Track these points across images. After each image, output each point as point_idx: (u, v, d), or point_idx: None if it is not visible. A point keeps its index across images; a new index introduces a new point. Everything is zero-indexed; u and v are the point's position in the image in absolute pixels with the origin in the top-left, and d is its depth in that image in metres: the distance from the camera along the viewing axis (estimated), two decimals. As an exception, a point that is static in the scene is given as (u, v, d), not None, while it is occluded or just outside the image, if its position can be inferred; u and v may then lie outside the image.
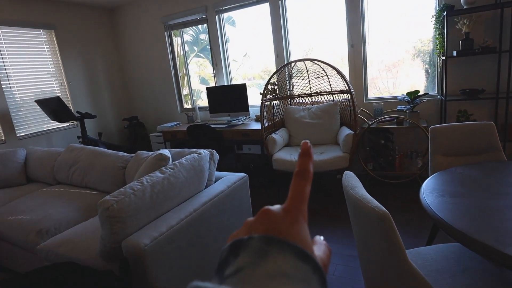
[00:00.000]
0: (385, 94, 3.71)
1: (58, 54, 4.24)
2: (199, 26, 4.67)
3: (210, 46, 4.36)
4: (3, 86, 3.69)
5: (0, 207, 2.72)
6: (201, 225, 1.87)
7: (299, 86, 3.81)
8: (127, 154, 2.74)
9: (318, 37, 3.89)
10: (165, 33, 4.64)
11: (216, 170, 2.38)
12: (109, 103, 4.98)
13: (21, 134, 3.87)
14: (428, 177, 1.67)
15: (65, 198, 2.61)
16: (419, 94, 3.07)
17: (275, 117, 3.68)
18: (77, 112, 3.94)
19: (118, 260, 1.63)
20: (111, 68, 5.02)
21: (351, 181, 1.23)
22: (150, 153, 2.51)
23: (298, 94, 3.84)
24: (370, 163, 3.44)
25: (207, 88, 4.20)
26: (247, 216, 2.37)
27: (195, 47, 5.11)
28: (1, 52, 3.69)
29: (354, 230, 1.31)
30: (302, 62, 3.52)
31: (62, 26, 4.29)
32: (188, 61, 4.84)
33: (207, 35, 4.36)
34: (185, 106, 4.98)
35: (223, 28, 4.29)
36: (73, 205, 2.47)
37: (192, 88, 4.98)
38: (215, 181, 2.31)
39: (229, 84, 4.39)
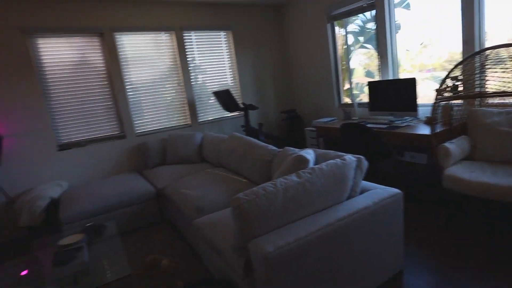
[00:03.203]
0: None
1: (233, 51, 4.81)
2: (367, 14, 4.23)
3: (377, 34, 3.88)
4: (193, 79, 4.51)
5: (179, 179, 3.34)
6: (335, 244, 1.66)
7: (496, 82, 2.86)
8: (275, 148, 2.79)
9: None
10: (327, 24, 4.46)
11: (366, 179, 2.08)
12: (272, 96, 5.30)
13: (201, 120, 4.65)
14: None
15: (221, 181, 2.92)
16: None
17: (453, 121, 2.92)
18: (242, 103, 4.37)
19: (245, 258, 1.65)
20: (276, 62, 5.30)
21: None
22: (296, 150, 2.46)
23: (493, 92, 2.88)
24: None
25: (369, 82, 3.78)
26: (396, 243, 1.97)
27: (360, 38, 4.69)
28: (194, 52, 4.50)
29: None
30: (505, 49, 2.59)
31: (237, 27, 4.82)
32: (351, 53, 4.51)
33: (375, 22, 3.89)
34: (344, 101, 4.70)
35: (392, 13, 3.71)
36: (226, 189, 2.73)
37: (356, 81, 4.63)
38: (360, 193, 2.02)
39: (395, 78, 3.80)
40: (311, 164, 1.97)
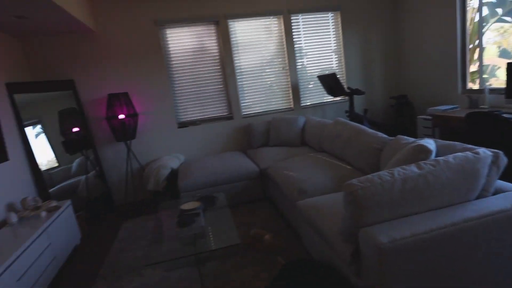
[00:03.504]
0: None
1: (341, 33, 4.60)
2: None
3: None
4: (298, 63, 4.52)
5: (281, 160, 3.45)
6: (458, 248, 1.48)
7: None
8: (386, 136, 2.60)
9: None
10: (459, -4, 3.83)
11: (502, 178, 1.78)
12: (379, 80, 4.92)
13: (304, 104, 4.65)
14: None
15: (324, 166, 2.90)
16: None
17: None
18: (348, 87, 4.18)
19: (354, 245, 1.62)
20: (386, 45, 4.87)
21: None
22: (411, 140, 2.25)
23: None
24: None
25: (508, 64, 3.15)
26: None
27: (498, 9, 3.91)
28: (300, 35, 4.47)
29: None
30: None
31: (346, 7, 4.56)
32: (484, 29, 3.81)
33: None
34: (470, 86, 4.05)
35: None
36: (329, 174, 2.70)
37: (486, 63, 3.93)
38: (494, 194, 1.74)
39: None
40: (433, 156, 1.78)
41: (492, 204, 1.58)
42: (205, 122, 4.38)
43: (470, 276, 1.53)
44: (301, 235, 2.53)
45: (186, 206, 2.50)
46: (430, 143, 1.87)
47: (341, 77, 4.74)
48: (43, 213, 2.82)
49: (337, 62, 4.70)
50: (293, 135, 3.96)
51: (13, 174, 3.07)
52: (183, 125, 4.33)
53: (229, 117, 4.41)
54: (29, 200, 2.96)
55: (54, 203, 3.03)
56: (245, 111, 4.48)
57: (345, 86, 4.66)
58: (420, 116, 4.02)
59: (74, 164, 3.85)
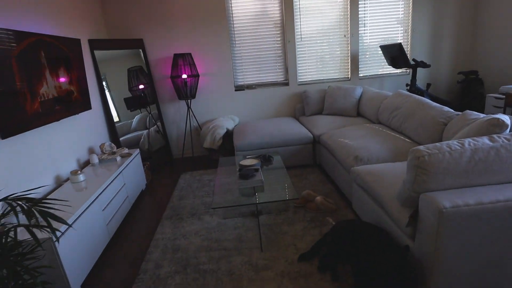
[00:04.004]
0: None
1: (410, 1, 4.30)
2: None
3: None
4: (360, 32, 4.35)
5: (336, 129, 3.49)
6: (524, 219, 1.48)
7: None
8: (452, 110, 2.52)
9: None
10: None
11: None
12: (448, 54, 4.59)
13: (361, 75, 4.52)
14: None
15: (381, 137, 2.89)
16: None
17: None
18: (413, 59, 3.98)
19: (412, 209, 1.68)
20: (462, 16, 4.46)
21: None
22: (482, 115, 2.17)
23: None
24: None
25: None
26: None
27: None
28: (365, 2, 4.26)
29: None
30: None
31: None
32: None
33: None
34: (555, 64, 3.64)
35: None
36: (386, 145, 2.70)
37: None
38: None
39: None
40: (507, 131, 1.72)
41: None
42: (261, 86, 4.48)
43: (531, 252, 1.54)
44: (351, 200, 2.62)
45: (245, 162, 2.69)
46: (506, 118, 1.81)
47: (406, 48, 4.49)
48: (118, 158, 3.20)
49: (402, 32, 4.45)
50: (349, 105, 3.93)
51: (93, 122, 3.47)
52: (239, 88, 4.47)
53: (284, 83, 4.46)
54: (106, 146, 3.36)
55: (126, 150, 3.40)
56: (301, 78, 4.49)
57: (410, 58, 4.43)
58: (491, 95, 3.74)
59: (134, 120, 4.21)
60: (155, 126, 4.38)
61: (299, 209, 2.73)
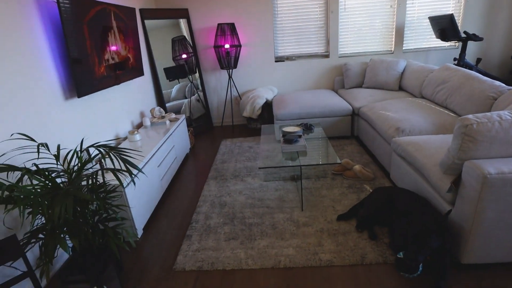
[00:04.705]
0: None
1: (469, -33, 4.04)
2: None
3: None
4: (407, 2, 4.19)
5: (377, 102, 3.50)
6: None
7: None
8: (504, 85, 2.46)
9: None
10: None
11: None
12: (504, 28, 4.32)
13: (405, 48, 4.40)
14: None
15: (424, 111, 2.89)
16: None
17: None
18: (464, 32, 3.81)
19: (455, 176, 1.75)
20: (525, -19, 4.14)
21: None
22: (536, 89, 2.12)
23: None
24: None
25: None
26: None
27: None
28: (417, -31, 4.07)
29: None
30: None
31: None
32: None
33: None
34: None
35: None
36: (429, 119, 2.72)
37: None
38: None
39: None
40: (562, 104, 1.71)
41: None
42: (301, 58, 4.50)
43: None
44: (389, 170, 2.70)
45: (288, 129, 2.82)
46: (561, 92, 1.78)
47: (457, 20, 4.28)
48: (168, 122, 3.45)
49: (454, 3, 4.22)
50: (391, 79, 3.89)
51: (144, 87, 3.72)
52: (279, 59, 4.53)
53: (325, 55, 4.46)
54: (156, 110, 3.61)
55: (173, 115, 3.64)
56: (342, 50, 4.45)
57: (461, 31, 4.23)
58: (547, 71, 3.54)
59: (174, 90, 4.42)
60: (196, 95, 4.59)
61: (337, 176, 2.86)
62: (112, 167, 2.24)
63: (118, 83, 2.83)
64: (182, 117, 3.68)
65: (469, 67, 3.89)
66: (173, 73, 4.29)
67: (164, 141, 2.98)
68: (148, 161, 2.52)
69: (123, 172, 2.06)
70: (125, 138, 3.04)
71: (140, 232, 2.28)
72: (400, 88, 3.94)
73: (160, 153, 2.83)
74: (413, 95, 3.61)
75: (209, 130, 4.69)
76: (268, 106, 4.34)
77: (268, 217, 2.34)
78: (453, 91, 2.85)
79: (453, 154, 1.70)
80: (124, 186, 2.05)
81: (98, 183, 1.66)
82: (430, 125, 2.64)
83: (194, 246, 2.10)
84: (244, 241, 2.10)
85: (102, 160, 1.95)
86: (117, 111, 3.01)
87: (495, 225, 1.60)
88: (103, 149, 1.64)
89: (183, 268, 1.92)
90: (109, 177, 2.14)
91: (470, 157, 1.64)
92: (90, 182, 1.60)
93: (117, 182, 2.04)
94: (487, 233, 1.62)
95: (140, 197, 2.31)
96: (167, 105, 4.21)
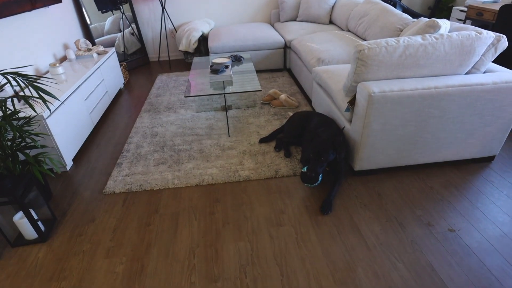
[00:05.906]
0: None
1: None
2: None
3: None
4: None
5: (306, 34, 3.62)
6: (435, 107, 1.85)
7: None
8: (410, 17, 2.71)
9: None
10: None
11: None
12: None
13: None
14: None
15: (344, 42, 3.10)
16: None
17: None
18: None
19: (350, 97, 2.01)
20: None
21: None
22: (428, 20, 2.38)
23: None
24: None
25: None
26: (500, 129, 2.01)
27: None
28: None
29: None
30: None
31: None
32: None
33: None
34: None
35: None
36: (347, 49, 2.93)
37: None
38: (484, 73, 2.00)
39: None
40: (441, 31, 1.98)
41: (476, 79, 1.87)
42: (237, -12, 4.35)
43: (441, 134, 1.96)
44: (311, 98, 2.95)
45: (217, 60, 2.87)
46: (444, 22, 2.05)
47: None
48: (95, 55, 3.28)
49: None
50: (323, 12, 3.99)
51: (65, 17, 3.41)
52: (215, -11, 4.33)
53: (261, -14, 4.35)
54: (81, 42, 3.39)
55: (101, 48, 3.46)
56: (279, -19, 4.37)
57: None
58: (457, 7, 3.89)
59: (107, 23, 4.11)
60: (129, 28, 4.31)
61: (265, 106, 3.06)
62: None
63: (30, 10, 2.58)
64: (112, 50, 3.51)
65: (393, 2, 4.10)
66: (103, 3, 3.93)
67: (91, 74, 2.87)
68: (72, 93, 2.46)
69: (41, 101, 2.02)
70: (47, 72, 2.88)
71: (70, 163, 2.33)
72: (331, 22, 4.08)
73: (87, 86, 2.76)
74: (341, 28, 3.78)
75: (145, 65, 4.53)
76: (205, 39, 4.26)
77: (196, 144, 2.51)
78: (371, 24, 3.06)
79: (350, 78, 1.94)
80: (43, 115, 2.03)
81: (9, 111, 1.65)
82: (347, 54, 2.86)
83: (124, 172, 2.23)
84: (172, 165, 2.27)
85: (15, 89, 1.89)
86: (34, 42, 2.78)
87: (379, 136, 1.93)
88: (11, 76, 1.60)
89: (112, 191, 2.06)
90: (35, 110, 2.09)
91: (363, 80, 1.89)
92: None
93: (37, 112, 2.01)
94: (372, 144, 1.96)
95: (66, 128, 2.31)
96: (100, 39, 3.93)
